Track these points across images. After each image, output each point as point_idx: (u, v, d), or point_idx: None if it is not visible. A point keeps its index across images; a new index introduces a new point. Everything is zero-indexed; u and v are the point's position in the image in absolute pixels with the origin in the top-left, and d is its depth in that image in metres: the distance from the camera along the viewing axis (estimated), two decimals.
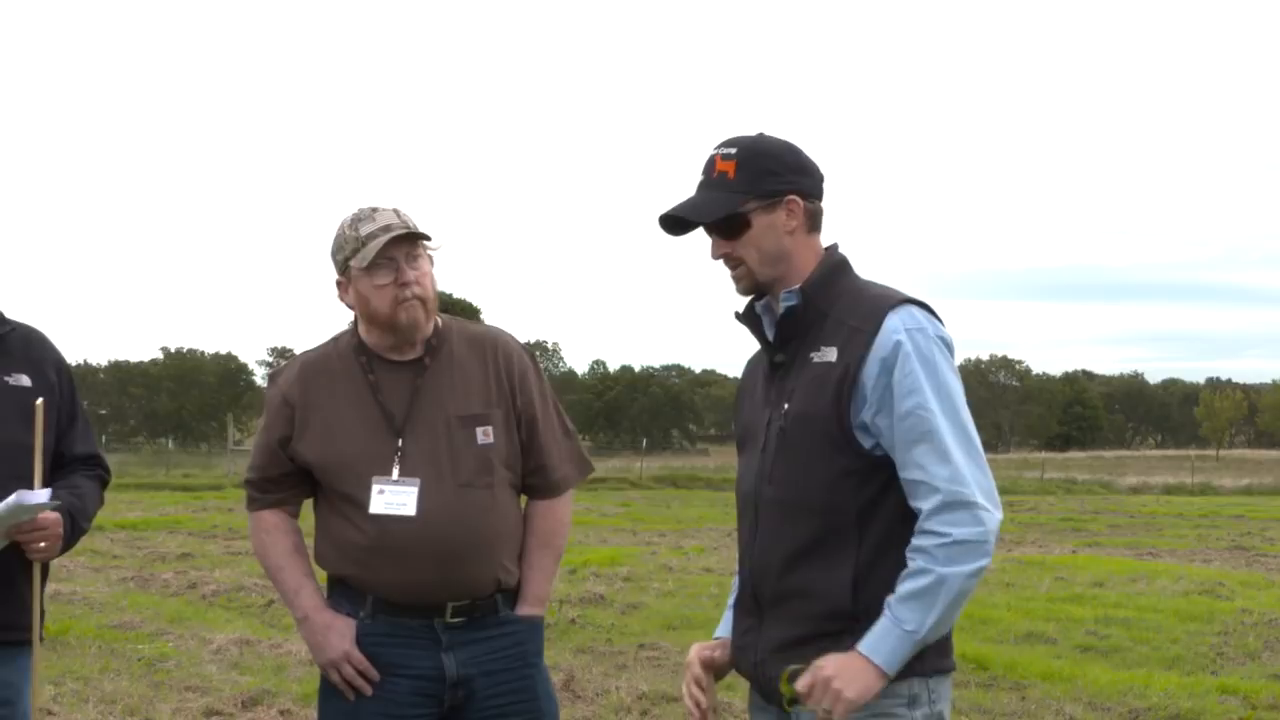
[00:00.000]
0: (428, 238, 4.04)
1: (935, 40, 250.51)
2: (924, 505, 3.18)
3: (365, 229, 3.98)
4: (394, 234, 3.95)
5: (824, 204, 3.44)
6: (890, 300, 3.30)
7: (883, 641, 3.16)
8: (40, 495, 4.06)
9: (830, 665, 3.16)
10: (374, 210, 4.02)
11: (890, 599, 3.17)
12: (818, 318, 3.35)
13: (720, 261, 3.43)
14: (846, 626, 3.25)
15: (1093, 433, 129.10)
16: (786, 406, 3.34)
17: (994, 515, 3.19)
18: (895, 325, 3.24)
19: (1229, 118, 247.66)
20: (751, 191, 3.33)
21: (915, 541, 3.17)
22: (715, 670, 3.62)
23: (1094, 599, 14.78)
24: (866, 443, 3.25)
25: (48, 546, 4.15)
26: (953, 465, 3.18)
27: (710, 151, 3.41)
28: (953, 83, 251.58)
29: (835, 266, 3.41)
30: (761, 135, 3.42)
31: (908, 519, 3.24)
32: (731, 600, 3.66)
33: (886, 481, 3.26)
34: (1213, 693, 9.79)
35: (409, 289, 3.98)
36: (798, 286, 3.36)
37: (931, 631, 3.16)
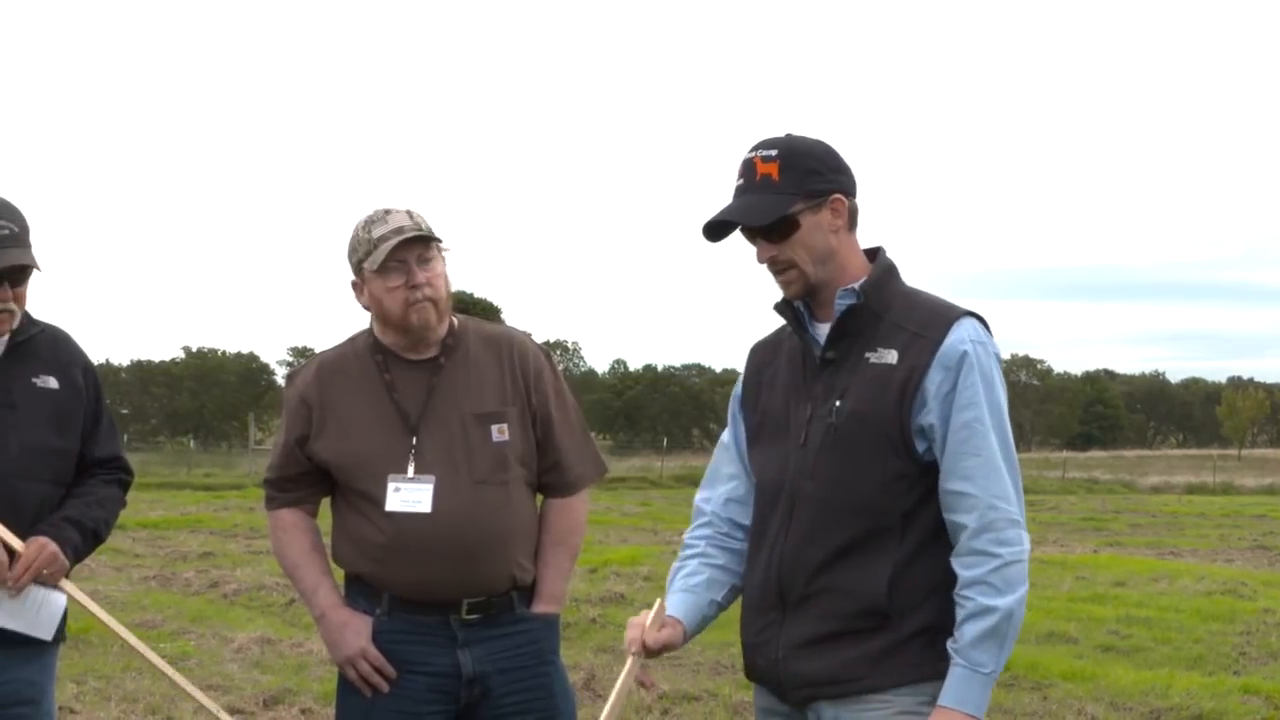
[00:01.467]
0: (439, 239, 4.05)
1: (957, 40, 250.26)
2: (968, 520, 3.21)
3: (377, 231, 3.99)
4: (405, 236, 3.96)
5: (859, 201, 3.44)
6: (955, 311, 3.34)
7: (969, 691, 3.19)
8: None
9: None
10: (387, 212, 4.03)
11: (958, 645, 3.19)
12: (872, 319, 3.35)
13: (766, 266, 3.40)
14: (877, 625, 3.27)
15: (1114, 432, 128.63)
16: (838, 404, 3.33)
17: (1028, 538, 3.27)
18: (962, 336, 3.27)
19: (1249, 117, 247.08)
20: (798, 192, 3.31)
21: (968, 571, 3.20)
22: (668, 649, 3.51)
23: (1116, 598, 14.75)
24: (920, 446, 3.27)
25: (51, 574, 4.14)
26: (1001, 483, 3.22)
27: (746, 154, 3.38)
28: (974, 82, 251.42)
29: (888, 269, 3.43)
30: (792, 136, 3.40)
31: (945, 523, 3.27)
32: (685, 582, 3.58)
33: (931, 486, 3.28)
34: (1235, 693, 9.76)
35: (420, 291, 3.99)
36: (857, 286, 3.35)
37: (1003, 664, 3.21)
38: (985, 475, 3.21)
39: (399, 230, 3.98)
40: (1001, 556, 3.17)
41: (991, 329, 3.37)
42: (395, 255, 3.96)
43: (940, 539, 3.27)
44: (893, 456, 3.27)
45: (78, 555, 4.23)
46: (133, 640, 4.41)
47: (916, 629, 3.27)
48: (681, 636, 3.51)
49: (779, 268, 3.37)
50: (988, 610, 3.16)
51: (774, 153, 3.34)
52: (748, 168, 3.36)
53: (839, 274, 3.37)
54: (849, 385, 3.33)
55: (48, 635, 4.16)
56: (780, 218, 3.30)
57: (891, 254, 3.45)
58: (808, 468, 3.37)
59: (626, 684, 3.44)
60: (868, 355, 3.32)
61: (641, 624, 3.46)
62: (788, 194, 3.31)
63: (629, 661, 3.44)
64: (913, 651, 3.27)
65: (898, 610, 3.26)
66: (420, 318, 4.02)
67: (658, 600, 3.54)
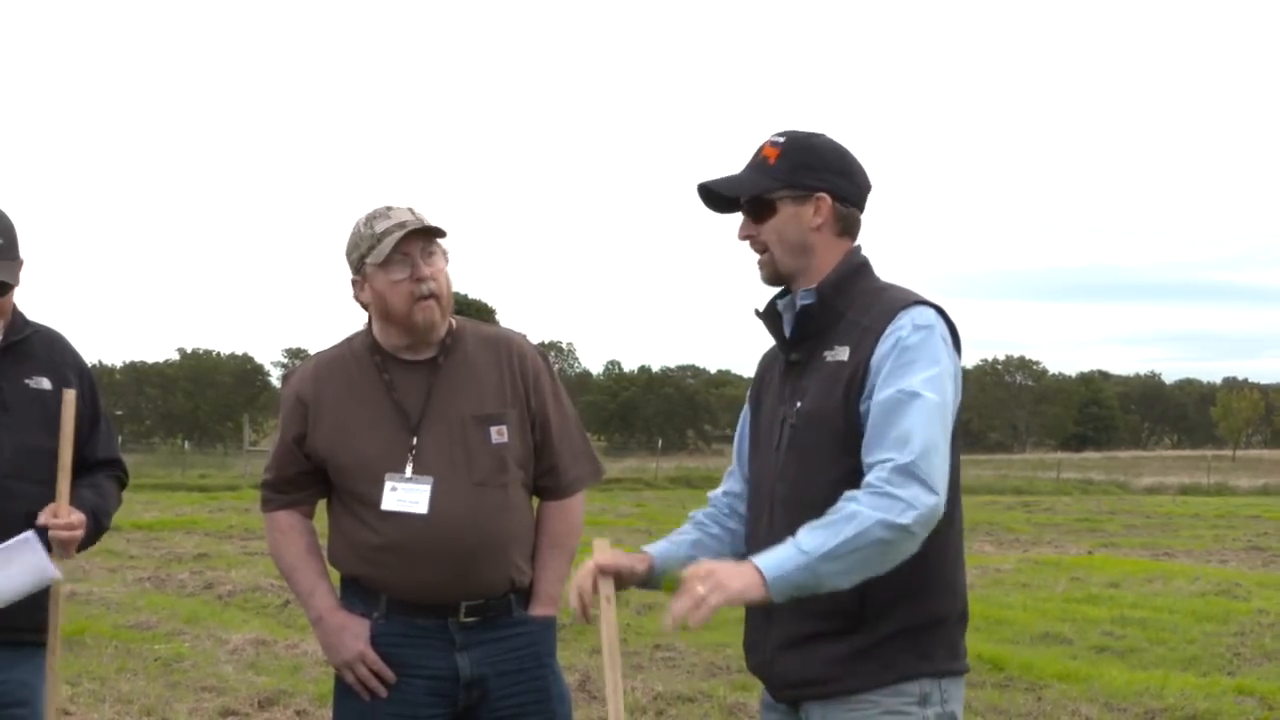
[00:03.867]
0: (443, 233, 4.05)
1: (954, 40, 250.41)
2: (876, 474, 3.11)
3: (380, 226, 4.00)
4: (409, 228, 3.97)
5: (862, 214, 3.46)
6: (904, 300, 3.31)
7: (775, 554, 3.09)
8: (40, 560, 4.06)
9: (719, 564, 3.12)
10: (389, 209, 4.04)
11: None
12: (833, 318, 3.36)
13: (746, 246, 3.47)
14: (852, 626, 3.26)
15: (1109, 433, 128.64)
16: (799, 404, 3.36)
17: (936, 498, 3.10)
18: (903, 323, 3.24)
19: (1246, 117, 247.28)
20: (785, 180, 3.38)
21: (849, 491, 3.12)
22: (623, 577, 3.43)
23: (1110, 599, 14.78)
24: None
25: (67, 542, 4.11)
26: (924, 453, 3.10)
27: (766, 139, 3.47)
28: (971, 83, 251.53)
29: (854, 268, 3.42)
30: (816, 134, 3.46)
31: None
32: (669, 537, 3.60)
33: None
34: (1229, 693, 9.78)
35: (425, 284, 3.99)
36: (814, 286, 3.38)
37: (824, 562, 3.05)
38: (908, 443, 3.10)
39: (402, 224, 3.99)
40: (884, 489, 3.06)
41: (948, 316, 3.32)
42: (400, 248, 3.97)
43: None
44: (844, 454, 3.25)
45: (87, 543, 4.23)
46: None
47: (893, 630, 3.25)
48: (646, 568, 3.47)
49: (756, 248, 3.45)
50: (839, 507, 3.08)
51: (782, 140, 3.43)
52: (759, 149, 3.45)
53: (810, 273, 3.40)
54: (809, 386, 3.35)
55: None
56: (755, 196, 3.39)
57: (879, 251, 3.47)
58: (779, 470, 3.40)
59: (608, 619, 3.34)
60: (825, 354, 3.34)
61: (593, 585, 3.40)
62: (774, 178, 3.38)
63: (601, 601, 3.35)
64: (888, 653, 3.25)
65: (870, 611, 3.23)
66: (424, 317, 4.02)
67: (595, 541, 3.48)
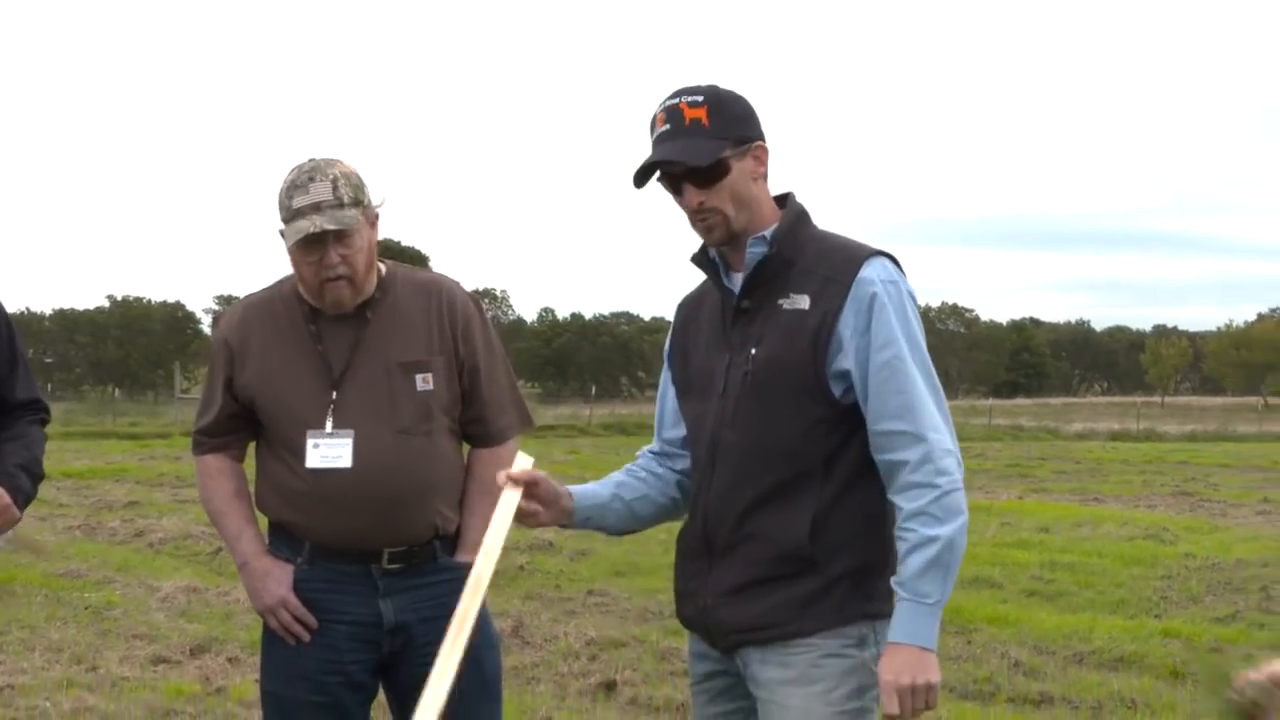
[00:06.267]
0: (348, 230, 3.90)
1: None
2: (907, 456, 3.21)
3: (297, 200, 3.88)
4: (313, 231, 3.85)
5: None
6: (864, 251, 3.34)
7: (917, 623, 3.19)
8: None
9: (891, 671, 3.18)
10: (311, 178, 3.89)
11: (902, 579, 3.20)
12: (784, 266, 3.35)
13: (689, 213, 3.38)
14: (801, 570, 3.29)
15: (1040, 379, 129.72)
16: (754, 352, 3.34)
17: (961, 468, 3.28)
18: (871, 276, 3.28)
19: (1177, 66, 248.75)
20: (728, 137, 3.32)
21: (910, 504, 3.20)
22: (539, 488, 3.48)
23: (1040, 544, 14.91)
24: (837, 390, 3.28)
25: (2, 525, 4.09)
26: (931, 415, 3.24)
27: (669, 101, 3.36)
28: (901, 31, 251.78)
29: (799, 216, 3.43)
30: (715, 85, 3.40)
31: (868, 466, 3.29)
32: (599, 480, 3.66)
33: (852, 429, 3.30)
34: (1156, 636, 9.91)
35: (333, 270, 3.92)
36: (767, 234, 3.36)
37: (948, 594, 3.22)
38: (915, 410, 3.23)
39: (316, 207, 3.85)
40: (940, 486, 3.19)
41: (903, 266, 3.38)
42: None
43: (863, 482, 3.30)
44: (810, 402, 3.29)
45: (27, 502, 4.18)
46: None
47: (841, 572, 3.29)
48: (566, 502, 3.53)
49: (704, 214, 3.36)
50: (930, 540, 3.17)
51: (701, 99, 3.34)
52: (674, 113, 3.34)
53: (754, 222, 3.38)
54: (764, 333, 3.35)
55: None
56: (717, 160, 3.30)
57: (811, 199, 3.47)
58: (728, 416, 3.39)
59: (503, 519, 3.29)
60: (780, 302, 3.34)
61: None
62: (719, 138, 3.31)
63: (502, 498, 3.36)
64: (838, 595, 3.29)
65: (822, 554, 3.27)
66: (333, 297, 3.97)
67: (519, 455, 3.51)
